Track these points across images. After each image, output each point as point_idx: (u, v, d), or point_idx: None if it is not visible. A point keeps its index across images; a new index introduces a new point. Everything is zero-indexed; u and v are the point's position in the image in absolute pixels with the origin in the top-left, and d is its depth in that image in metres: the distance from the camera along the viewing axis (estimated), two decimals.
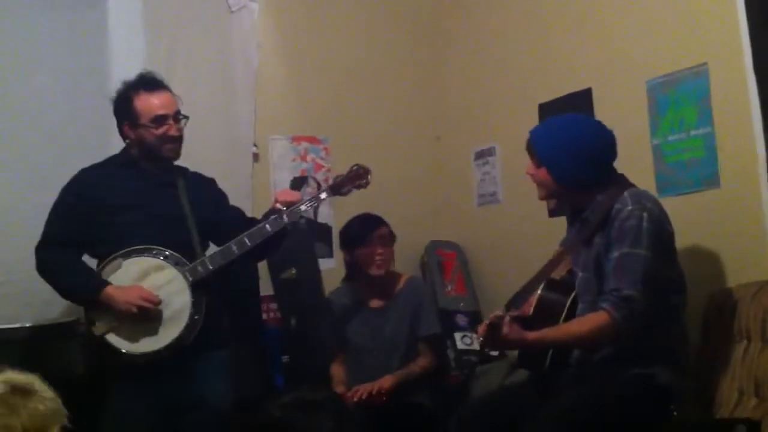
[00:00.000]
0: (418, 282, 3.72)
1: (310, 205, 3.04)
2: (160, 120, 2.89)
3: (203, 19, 3.85)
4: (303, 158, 4.10)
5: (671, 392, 2.53)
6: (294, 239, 3.94)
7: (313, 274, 3.86)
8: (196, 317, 2.82)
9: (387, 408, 3.25)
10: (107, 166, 2.98)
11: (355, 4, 4.30)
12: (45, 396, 1.77)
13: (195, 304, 2.82)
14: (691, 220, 2.89)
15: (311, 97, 4.16)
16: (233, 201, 3.16)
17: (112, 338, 2.78)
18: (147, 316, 2.77)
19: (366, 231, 3.45)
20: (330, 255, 4.00)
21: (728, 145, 2.90)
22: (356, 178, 3.06)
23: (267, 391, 3.45)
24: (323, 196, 3.05)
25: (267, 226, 2.91)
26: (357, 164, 3.08)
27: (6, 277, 3.29)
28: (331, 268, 3.93)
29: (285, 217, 2.91)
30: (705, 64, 2.96)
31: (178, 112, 2.94)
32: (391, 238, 3.49)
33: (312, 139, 4.13)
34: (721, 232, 2.92)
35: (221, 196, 3.12)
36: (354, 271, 3.53)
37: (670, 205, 2.67)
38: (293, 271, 3.77)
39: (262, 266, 3.75)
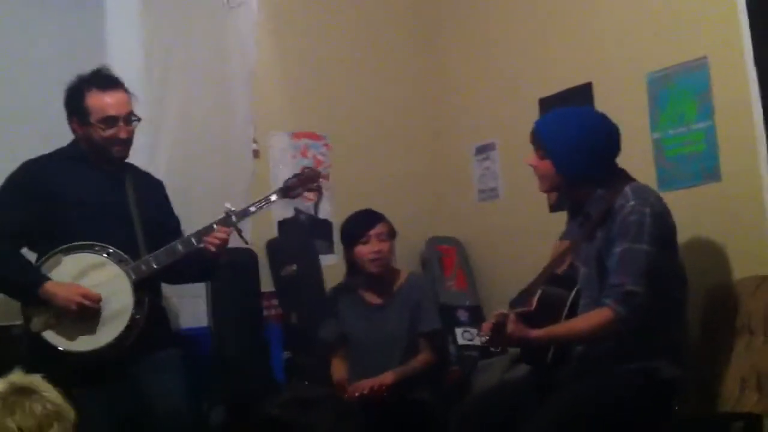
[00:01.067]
0: (419, 278, 3.70)
1: (259, 207, 2.97)
2: (110, 121, 2.81)
3: (201, 16, 3.84)
4: (303, 154, 4.09)
5: (673, 386, 2.53)
6: (295, 236, 3.98)
7: (313, 270, 3.85)
8: (137, 317, 2.75)
9: (388, 404, 3.24)
10: (54, 158, 2.90)
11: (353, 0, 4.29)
12: (45, 396, 1.76)
13: (137, 304, 2.75)
14: (692, 214, 2.88)
15: (311, 93, 4.14)
16: (232, 198, 3.14)
17: (50, 336, 2.70)
18: (86, 314, 2.70)
19: (365, 228, 3.43)
20: (331, 251, 3.99)
21: (729, 139, 2.90)
22: (307, 180, 3.04)
23: (267, 388, 3.45)
24: (273, 198, 3.00)
25: (214, 225, 2.85)
26: (308, 167, 3.09)
27: None
28: (332, 264, 3.92)
29: (233, 217, 2.87)
30: (705, 57, 2.95)
31: (130, 113, 2.86)
32: (390, 234, 3.47)
33: (312, 135, 4.13)
34: (722, 226, 2.92)
35: (167, 201, 3.07)
36: (354, 268, 3.52)
37: (671, 199, 2.66)
38: (294, 267, 3.77)
39: (263, 262, 3.75)
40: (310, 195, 3.63)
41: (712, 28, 2.94)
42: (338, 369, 3.49)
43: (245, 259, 3.60)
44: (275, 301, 3.85)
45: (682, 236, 2.67)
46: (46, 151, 2.97)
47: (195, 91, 3.79)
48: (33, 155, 3.11)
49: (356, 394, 3.24)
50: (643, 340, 2.50)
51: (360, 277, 3.50)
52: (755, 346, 2.62)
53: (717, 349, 2.73)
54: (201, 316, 3.62)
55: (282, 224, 3.98)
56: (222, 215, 2.88)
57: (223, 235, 2.85)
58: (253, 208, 2.95)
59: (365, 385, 3.28)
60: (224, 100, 3.87)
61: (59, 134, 3.34)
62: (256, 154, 3.97)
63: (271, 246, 3.81)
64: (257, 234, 3.67)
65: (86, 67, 3.07)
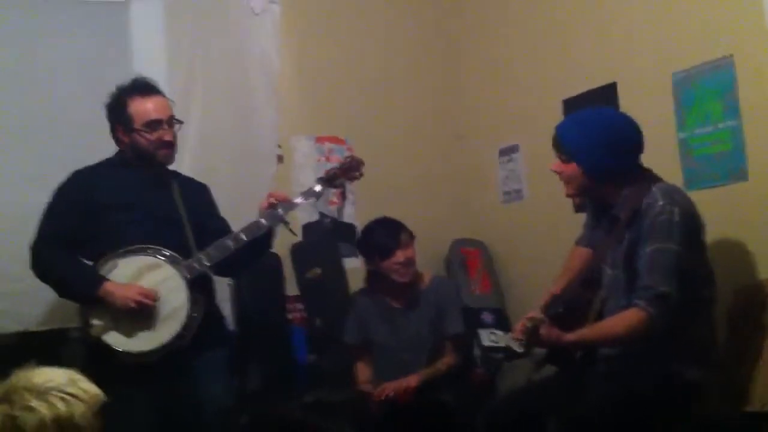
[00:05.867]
0: (443, 281, 3.71)
1: (305, 199, 3.02)
2: (153, 125, 2.88)
3: (225, 23, 3.87)
4: (327, 158, 4.10)
5: (700, 387, 2.51)
6: (319, 239, 3.99)
7: (338, 273, 3.86)
8: (194, 315, 2.79)
9: (412, 406, 3.24)
10: (102, 167, 2.96)
11: (375, 3, 4.30)
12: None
13: (193, 302, 2.79)
14: (719, 213, 2.86)
15: (334, 97, 4.16)
16: (256, 202, 3.16)
17: (109, 338, 2.74)
18: (144, 313, 2.74)
19: (386, 241, 3.42)
20: (354, 254, 3.98)
21: (756, 138, 2.87)
22: (349, 170, 3.04)
23: (291, 392, 3.46)
24: (317, 188, 3.01)
25: (262, 220, 2.89)
26: (350, 156, 3.07)
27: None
28: (356, 268, 3.92)
29: (279, 210, 2.90)
30: (731, 56, 2.93)
31: (171, 117, 2.93)
32: (410, 239, 3.46)
33: (335, 139, 4.14)
34: (750, 226, 2.89)
35: (213, 204, 3.11)
36: (378, 276, 3.51)
37: (698, 198, 2.65)
38: (318, 270, 3.78)
39: (287, 266, 3.76)
40: (336, 198, 3.65)
41: (737, 27, 2.92)
42: (363, 373, 3.49)
43: (270, 262, 3.61)
44: (300, 305, 3.86)
45: (710, 236, 2.65)
46: (74, 155, 3.02)
47: (219, 97, 3.82)
48: (60, 159, 3.16)
49: (381, 398, 3.24)
50: (670, 341, 2.49)
51: (384, 283, 3.50)
52: None
53: (745, 348, 2.70)
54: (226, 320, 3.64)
55: (306, 228, 3.99)
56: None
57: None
58: (298, 200, 2.98)
59: (390, 388, 3.29)
60: (248, 105, 3.89)
61: (86, 138, 3.40)
62: (279, 158, 3.98)
63: (296, 250, 3.82)
64: (282, 238, 3.68)
65: (111, 75, 3.12)
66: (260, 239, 2.90)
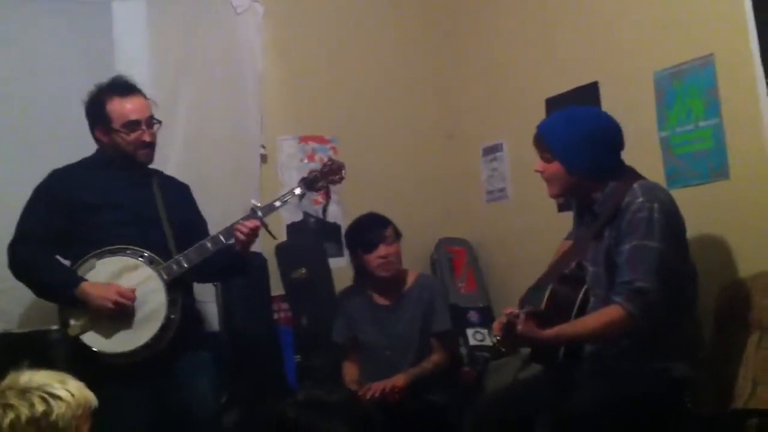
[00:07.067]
0: (429, 279, 3.71)
1: (284, 201, 3.01)
2: (132, 125, 2.87)
3: (208, 21, 3.86)
4: (311, 158, 4.10)
5: (686, 385, 2.52)
6: (304, 239, 3.99)
7: (323, 273, 3.86)
8: (172, 317, 2.79)
9: (400, 405, 3.25)
10: (81, 166, 2.95)
11: (360, 3, 4.29)
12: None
13: (171, 304, 2.79)
14: (700, 211, 2.88)
15: (318, 96, 4.15)
16: (241, 202, 3.17)
17: (87, 338, 2.74)
18: (122, 314, 2.74)
19: (370, 235, 3.43)
20: (340, 254, 3.99)
21: (737, 136, 2.89)
22: (330, 173, 3.05)
23: (281, 392, 3.46)
24: (297, 191, 3.02)
25: (241, 221, 2.88)
26: (331, 159, 3.07)
27: None
28: (341, 267, 3.92)
29: (259, 212, 2.90)
30: (711, 54, 2.95)
31: (151, 117, 2.92)
32: (395, 237, 3.48)
33: (320, 139, 4.13)
34: (732, 224, 2.91)
35: (193, 203, 3.10)
36: (363, 272, 3.53)
37: (680, 197, 2.66)
38: (303, 270, 3.78)
39: (273, 266, 3.76)
40: (321, 197, 3.65)
41: (718, 26, 2.93)
42: (350, 372, 3.50)
43: (255, 263, 3.60)
44: (285, 305, 3.86)
45: (692, 234, 2.66)
46: (59, 153, 3.01)
47: (202, 97, 3.81)
48: (46, 157, 3.14)
49: (368, 397, 3.25)
50: (654, 338, 2.50)
51: (369, 280, 3.51)
52: (767, 343, 2.62)
53: (729, 346, 2.72)
54: (212, 321, 3.64)
55: (291, 228, 3.99)
56: (247, 212, 2.91)
57: (252, 224, 2.87)
58: (278, 203, 2.99)
59: (377, 387, 3.29)
60: (232, 105, 3.89)
61: (71, 136, 3.38)
62: (263, 158, 3.98)
63: (281, 250, 3.82)
64: (266, 237, 3.68)
65: (94, 75, 3.10)
66: (236, 255, 2.90)
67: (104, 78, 2.99)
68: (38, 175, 2.95)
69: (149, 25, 3.73)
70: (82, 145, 3.01)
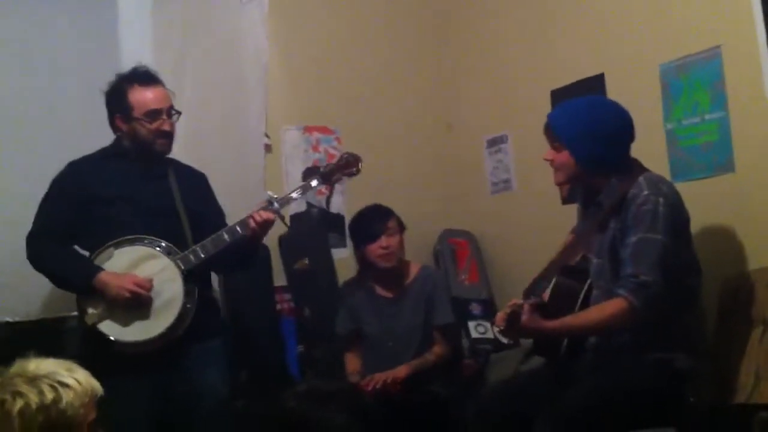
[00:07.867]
0: (432, 271, 3.71)
1: (300, 194, 3.01)
2: (153, 114, 2.88)
3: (213, 12, 3.85)
4: (315, 149, 4.09)
5: (689, 377, 2.52)
6: (306, 229, 3.98)
7: (326, 263, 3.86)
8: (188, 306, 2.80)
9: (402, 397, 3.25)
10: (97, 157, 2.96)
11: None
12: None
13: (187, 293, 2.80)
14: (706, 205, 2.87)
15: (322, 87, 4.14)
16: (246, 192, 3.16)
17: (104, 326, 2.76)
18: (139, 303, 2.75)
19: (372, 226, 3.44)
20: (343, 245, 3.99)
21: (742, 129, 2.89)
22: (346, 166, 3.04)
23: (283, 382, 3.46)
24: (314, 183, 3.02)
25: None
26: (348, 152, 3.06)
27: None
28: (344, 258, 3.92)
29: (275, 203, 2.90)
30: (718, 47, 2.93)
31: (171, 107, 2.93)
32: (399, 228, 3.47)
33: (324, 129, 4.13)
34: (736, 217, 2.90)
35: (211, 193, 3.11)
36: (366, 264, 3.53)
37: (685, 190, 2.65)
38: (306, 261, 3.78)
39: (275, 256, 3.76)
40: (324, 188, 3.65)
41: (724, 18, 2.92)
42: (352, 363, 3.50)
43: (258, 253, 3.60)
44: (288, 296, 3.86)
45: (696, 227, 2.66)
46: (63, 149, 3.01)
47: (207, 87, 3.80)
48: (49, 153, 3.14)
49: (369, 388, 3.25)
50: (657, 331, 2.50)
51: (372, 272, 3.50)
52: None
53: (732, 339, 2.72)
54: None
55: (294, 218, 3.98)
56: (263, 203, 2.89)
57: (266, 215, 2.86)
58: (295, 194, 2.98)
59: (379, 378, 3.29)
60: (237, 95, 3.88)
61: (75, 131, 3.38)
62: (268, 148, 3.97)
63: (284, 240, 3.82)
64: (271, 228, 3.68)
65: (98, 66, 3.10)
66: (247, 246, 2.90)
67: (108, 69, 2.99)
68: (39, 169, 2.96)
69: (154, 14, 3.72)
70: (86, 138, 3.01)
